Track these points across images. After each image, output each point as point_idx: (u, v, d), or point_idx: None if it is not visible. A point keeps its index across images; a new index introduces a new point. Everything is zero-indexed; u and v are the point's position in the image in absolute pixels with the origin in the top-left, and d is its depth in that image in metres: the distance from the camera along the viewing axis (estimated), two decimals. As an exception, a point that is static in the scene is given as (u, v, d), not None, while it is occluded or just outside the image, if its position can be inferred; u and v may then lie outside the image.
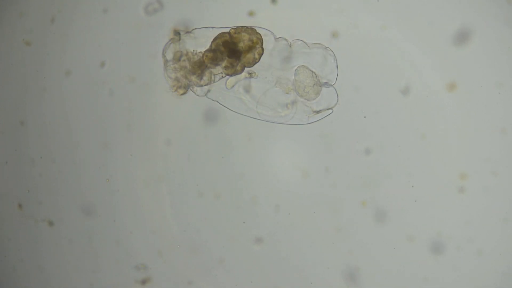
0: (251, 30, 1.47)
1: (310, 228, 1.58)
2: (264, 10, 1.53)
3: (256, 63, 1.47)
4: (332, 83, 1.49)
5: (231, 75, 1.47)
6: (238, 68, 1.45)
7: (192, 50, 1.47)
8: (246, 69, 1.48)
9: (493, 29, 1.50)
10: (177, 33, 1.48)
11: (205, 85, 1.49)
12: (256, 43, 1.46)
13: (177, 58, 1.47)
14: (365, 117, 1.53)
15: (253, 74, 1.48)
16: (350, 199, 1.55)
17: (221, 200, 1.59)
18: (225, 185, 1.58)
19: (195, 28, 1.50)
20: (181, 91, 1.49)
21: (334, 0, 1.52)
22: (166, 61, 1.48)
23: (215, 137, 1.57)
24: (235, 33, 1.45)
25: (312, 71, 1.48)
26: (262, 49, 1.46)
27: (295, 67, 1.49)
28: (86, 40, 1.58)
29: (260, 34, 1.47)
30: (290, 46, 1.49)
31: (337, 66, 1.49)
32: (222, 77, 1.48)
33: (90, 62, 1.58)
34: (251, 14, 1.53)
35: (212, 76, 1.46)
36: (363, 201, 1.54)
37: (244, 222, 1.57)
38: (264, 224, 1.58)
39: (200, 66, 1.45)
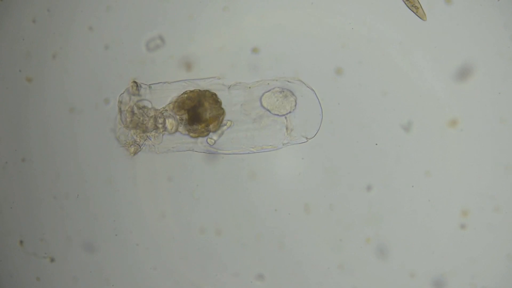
0: (211, 100, 1.48)
1: (313, 263, 1.57)
2: (268, 47, 1.53)
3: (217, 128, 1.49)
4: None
5: (195, 138, 1.49)
6: (204, 132, 1.47)
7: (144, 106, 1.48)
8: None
9: (496, 65, 1.50)
10: (133, 85, 1.48)
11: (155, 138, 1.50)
12: (216, 116, 1.47)
13: (129, 112, 1.47)
14: (376, 144, 1.52)
15: (228, 123, 1.49)
16: (353, 236, 1.55)
17: (224, 236, 1.59)
18: (228, 222, 1.58)
19: (152, 84, 1.51)
20: (132, 149, 1.50)
21: (338, 38, 1.52)
22: (120, 118, 1.49)
23: (218, 174, 1.56)
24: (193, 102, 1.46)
25: (272, 91, 1.49)
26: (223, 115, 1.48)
27: (259, 98, 1.51)
28: (87, 77, 1.58)
29: (219, 103, 1.49)
30: (249, 88, 1.50)
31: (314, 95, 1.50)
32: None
33: (94, 99, 1.58)
34: (255, 51, 1.53)
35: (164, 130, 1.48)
36: (368, 238, 1.54)
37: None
38: (266, 261, 1.58)
39: (155, 121, 1.46)
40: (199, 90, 1.47)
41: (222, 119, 1.48)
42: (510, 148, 1.50)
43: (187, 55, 1.54)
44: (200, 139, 1.51)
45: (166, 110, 1.45)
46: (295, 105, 1.50)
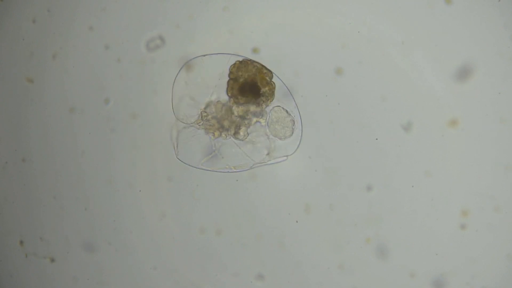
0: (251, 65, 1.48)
1: (313, 263, 1.58)
2: (268, 47, 1.53)
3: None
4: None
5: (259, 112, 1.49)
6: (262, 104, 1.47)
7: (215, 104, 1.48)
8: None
9: (496, 65, 1.50)
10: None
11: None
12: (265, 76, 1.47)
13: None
14: (376, 139, 1.52)
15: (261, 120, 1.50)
16: (353, 236, 1.55)
17: (224, 236, 1.59)
18: (228, 222, 1.58)
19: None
20: (217, 134, 1.50)
21: (339, 36, 1.52)
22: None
23: (218, 174, 1.56)
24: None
25: (286, 110, 1.50)
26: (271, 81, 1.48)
27: (269, 110, 1.51)
28: (87, 77, 1.58)
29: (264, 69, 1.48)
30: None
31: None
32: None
33: (94, 99, 1.58)
34: (255, 51, 1.53)
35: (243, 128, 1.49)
36: (367, 238, 1.54)
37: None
38: (266, 261, 1.58)
39: (226, 117, 1.46)
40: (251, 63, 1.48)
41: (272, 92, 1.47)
42: (510, 148, 1.50)
43: (187, 55, 1.54)
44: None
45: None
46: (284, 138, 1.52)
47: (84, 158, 1.60)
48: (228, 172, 1.53)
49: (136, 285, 1.62)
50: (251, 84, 1.48)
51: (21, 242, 1.63)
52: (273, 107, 1.51)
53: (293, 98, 1.53)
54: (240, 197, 1.57)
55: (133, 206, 1.60)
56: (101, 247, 1.61)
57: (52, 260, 1.63)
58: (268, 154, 1.52)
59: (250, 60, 1.50)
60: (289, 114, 1.51)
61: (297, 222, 1.56)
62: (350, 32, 1.52)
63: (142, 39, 1.55)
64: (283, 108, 1.51)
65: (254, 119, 1.50)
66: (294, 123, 1.51)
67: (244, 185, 1.56)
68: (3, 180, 1.63)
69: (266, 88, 1.48)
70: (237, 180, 1.56)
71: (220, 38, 1.54)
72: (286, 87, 1.52)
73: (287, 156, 1.52)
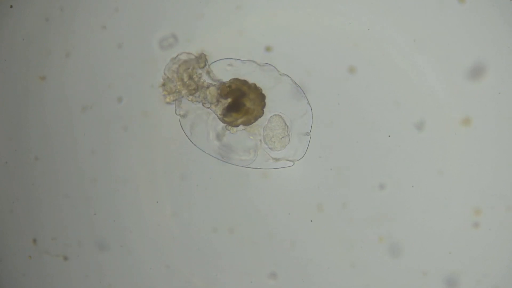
0: (262, 95, 1.48)
1: (325, 261, 1.58)
2: (280, 45, 1.53)
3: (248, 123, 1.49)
4: (309, 134, 1.51)
5: (225, 123, 1.48)
6: (238, 122, 1.46)
7: (199, 74, 1.47)
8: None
9: (509, 64, 1.50)
10: (202, 57, 1.48)
11: (191, 101, 1.49)
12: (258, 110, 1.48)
13: (184, 70, 1.47)
14: (389, 136, 1.52)
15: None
16: (365, 235, 1.55)
17: (236, 235, 1.59)
18: (241, 221, 1.58)
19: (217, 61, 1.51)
20: (168, 98, 1.49)
21: (350, 35, 1.52)
22: (173, 62, 1.48)
23: (231, 173, 1.57)
24: (250, 88, 1.46)
25: (285, 123, 1.50)
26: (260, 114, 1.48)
27: (270, 115, 1.51)
28: (100, 75, 1.58)
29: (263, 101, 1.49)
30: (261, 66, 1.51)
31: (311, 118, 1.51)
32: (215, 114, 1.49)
33: (106, 97, 1.58)
34: (268, 49, 1.53)
35: (203, 100, 1.47)
36: (380, 237, 1.55)
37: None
38: (279, 260, 1.58)
39: (196, 88, 1.45)
40: (248, 82, 1.47)
41: (257, 117, 1.48)
42: (522, 147, 1.51)
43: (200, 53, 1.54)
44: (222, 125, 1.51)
45: (213, 85, 1.45)
46: (278, 149, 1.52)
47: (97, 156, 1.60)
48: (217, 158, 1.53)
49: (148, 284, 1.62)
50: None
51: (34, 241, 1.63)
52: (274, 114, 1.51)
53: (305, 97, 1.53)
54: (252, 196, 1.58)
55: (145, 205, 1.60)
56: (113, 246, 1.61)
57: (65, 259, 1.63)
58: (274, 158, 1.52)
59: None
60: (286, 128, 1.51)
61: (311, 221, 1.56)
62: (362, 31, 1.52)
63: (155, 38, 1.55)
64: (283, 119, 1.51)
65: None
66: (288, 138, 1.51)
67: (256, 184, 1.56)
68: (16, 178, 1.63)
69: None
70: (260, 175, 1.56)
71: (233, 36, 1.54)
72: (299, 88, 1.52)
73: (293, 161, 1.53)
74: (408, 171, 1.53)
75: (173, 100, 1.50)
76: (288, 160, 1.52)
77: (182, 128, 1.52)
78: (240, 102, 1.46)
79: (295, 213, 1.57)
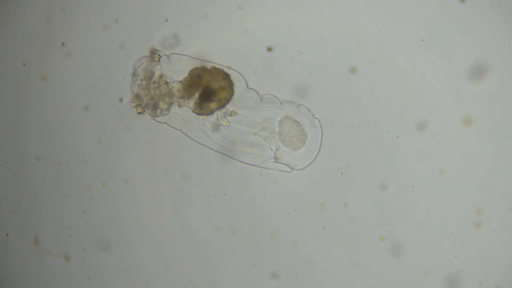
0: (225, 74, 1.47)
1: (327, 261, 1.58)
2: (282, 45, 1.53)
3: (221, 106, 1.48)
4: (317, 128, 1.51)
5: (199, 115, 1.48)
6: (206, 111, 1.46)
7: (162, 76, 1.47)
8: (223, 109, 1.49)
9: (511, 64, 1.50)
10: (155, 52, 1.48)
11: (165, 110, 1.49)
12: (224, 89, 1.47)
13: (147, 78, 1.47)
14: (398, 137, 1.52)
15: (232, 113, 1.48)
16: (367, 235, 1.55)
17: (238, 235, 1.59)
18: (243, 221, 1.58)
19: (173, 53, 1.50)
20: (138, 110, 1.49)
21: (352, 35, 1.52)
22: (135, 76, 1.48)
23: (232, 172, 1.57)
24: (210, 73, 1.45)
25: (296, 121, 1.50)
26: (230, 93, 1.47)
27: (279, 118, 1.51)
28: (102, 75, 1.58)
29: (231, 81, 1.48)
30: (260, 99, 1.50)
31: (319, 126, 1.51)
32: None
33: (108, 97, 1.58)
34: (269, 49, 1.53)
35: (177, 101, 1.47)
36: (382, 237, 1.55)
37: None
38: (281, 260, 1.58)
39: (167, 95, 1.45)
40: (205, 66, 1.47)
41: (229, 97, 1.46)
42: (524, 147, 1.51)
43: (202, 54, 1.54)
44: (202, 117, 1.50)
45: (175, 87, 1.44)
46: (300, 147, 1.52)
47: (97, 156, 1.60)
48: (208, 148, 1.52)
49: (149, 284, 1.62)
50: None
51: (36, 241, 1.63)
52: (283, 117, 1.51)
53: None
54: (254, 196, 1.58)
55: (147, 204, 1.60)
56: (116, 246, 1.61)
57: (67, 259, 1.63)
58: (275, 158, 1.52)
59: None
60: (299, 125, 1.51)
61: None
62: (364, 31, 1.52)
63: (156, 38, 1.55)
64: (292, 119, 1.51)
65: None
66: (305, 134, 1.51)
67: (258, 184, 1.56)
68: (18, 178, 1.63)
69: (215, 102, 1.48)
70: (260, 174, 1.56)
71: (235, 36, 1.54)
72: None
73: (292, 169, 1.53)
74: (409, 171, 1.53)
75: (142, 111, 1.50)
76: (288, 166, 1.52)
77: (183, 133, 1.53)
78: (207, 89, 1.46)
79: (297, 213, 1.57)
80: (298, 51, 1.50)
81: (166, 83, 1.45)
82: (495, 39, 1.49)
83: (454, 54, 1.50)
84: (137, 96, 1.46)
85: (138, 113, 1.48)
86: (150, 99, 1.46)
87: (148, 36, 1.56)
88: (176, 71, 1.51)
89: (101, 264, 1.62)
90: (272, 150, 1.51)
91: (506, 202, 1.51)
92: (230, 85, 1.48)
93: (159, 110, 1.46)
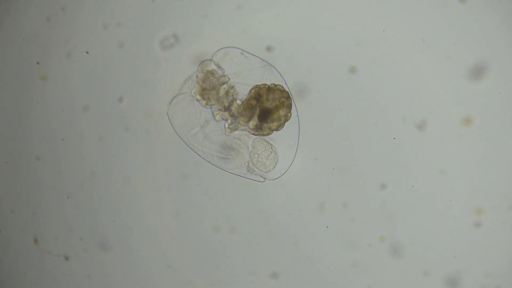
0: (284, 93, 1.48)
1: (327, 261, 1.58)
2: (281, 45, 1.53)
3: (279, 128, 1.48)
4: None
5: (256, 134, 1.48)
6: (265, 131, 1.46)
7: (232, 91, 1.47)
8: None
9: (510, 63, 1.50)
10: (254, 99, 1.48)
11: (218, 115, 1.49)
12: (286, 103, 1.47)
13: (220, 83, 1.47)
14: (394, 138, 1.52)
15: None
16: (367, 235, 1.55)
17: (238, 235, 1.59)
18: (242, 221, 1.58)
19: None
20: (198, 96, 1.48)
21: (353, 36, 1.52)
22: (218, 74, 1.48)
23: (231, 174, 1.57)
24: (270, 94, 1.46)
25: (268, 143, 1.50)
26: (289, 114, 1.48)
27: (251, 140, 1.51)
28: (101, 75, 1.58)
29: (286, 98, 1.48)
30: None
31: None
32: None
33: (107, 97, 1.58)
34: (269, 49, 1.53)
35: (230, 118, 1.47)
36: (381, 237, 1.54)
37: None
38: (280, 260, 1.58)
39: (226, 107, 1.46)
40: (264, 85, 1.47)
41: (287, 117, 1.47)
42: (524, 147, 1.51)
43: (201, 54, 1.54)
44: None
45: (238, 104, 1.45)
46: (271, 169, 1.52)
47: (98, 156, 1.60)
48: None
49: (149, 283, 1.62)
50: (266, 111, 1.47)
51: (35, 241, 1.63)
52: (254, 139, 1.51)
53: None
54: (254, 196, 1.58)
55: (147, 204, 1.60)
56: (115, 246, 1.62)
57: (67, 258, 1.63)
58: (248, 167, 1.52)
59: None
60: (271, 147, 1.51)
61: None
62: (364, 31, 1.52)
63: (156, 38, 1.55)
64: (265, 141, 1.51)
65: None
66: (276, 156, 1.51)
67: (258, 184, 1.56)
68: (17, 178, 1.63)
69: (275, 123, 1.48)
70: (264, 181, 1.56)
71: (234, 36, 1.54)
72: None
73: (265, 178, 1.53)
74: (409, 170, 1.53)
75: (199, 100, 1.49)
76: (261, 176, 1.53)
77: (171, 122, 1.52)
78: (265, 108, 1.46)
79: (297, 213, 1.57)
80: (313, 48, 1.50)
81: (231, 96, 1.46)
82: (495, 39, 1.49)
83: (454, 54, 1.50)
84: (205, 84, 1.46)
85: (197, 96, 1.47)
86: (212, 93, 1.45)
87: (148, 36, 1.56)
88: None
89: (101, 264, 1.62)
90: (245, 162, 1.52)
91: (506, 202, 1.51)
92: (289, 106, 1.48)
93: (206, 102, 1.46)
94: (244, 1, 1.53)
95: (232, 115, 1.46)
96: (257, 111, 1.43)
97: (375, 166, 1.54)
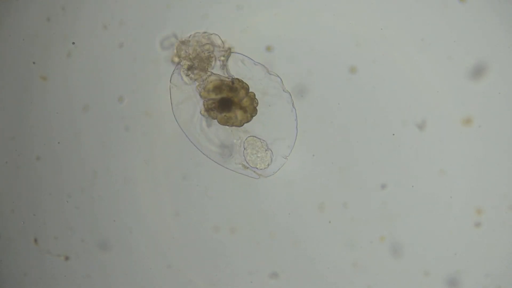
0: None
1: (327, 261, 1.58)
2: (281, 45, 1.53)
3: (231, 124, 1.48)
4: (286, 157, 1.51)
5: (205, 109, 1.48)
6: (212, 114, 1.46)
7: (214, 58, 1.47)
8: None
9: (510, 63, 1.50)
10: (228, 52, 1.47)
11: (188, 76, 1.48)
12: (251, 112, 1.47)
13: (206, 49, 1.46)
14: (393, 134, 1.52)
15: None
16: (367, 234, 1.55)
17: (238, 235, 1.59)
18: (242, 220, 1.58)
19: (243, 56, 1.50)
20: (176, 58, 1.48)
21: (353, 36, 1.52)
22: (198, 41, 1.47)
23: (231, 173, 1.57)
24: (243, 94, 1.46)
25: (261, 142, 1.50)
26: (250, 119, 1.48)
27: (244, 138, 1.51)
28: (101, 75, 1.58)
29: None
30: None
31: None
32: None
33: (107, 97, 1.58)
34: (268, 49, 1.53)
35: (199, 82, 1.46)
36: (382, 237, 1.54)
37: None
38: (280, 259, 1.58)
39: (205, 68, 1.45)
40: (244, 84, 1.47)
41: (247, 121, 1.48)
42: (524, 147, 1.51)
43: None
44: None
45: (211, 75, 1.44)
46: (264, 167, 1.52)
47: (98, 156, 1.60)
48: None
49: (149, 283, 1.62)
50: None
51: (35, 241, 1.63)
52: (247, 138, 1.51)
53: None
54: (254, 195, 1.58)
55: (147, 204, 1.60)
56: (115, 246, 1.62)
57: (66, 258, 1.63)
58: (242, 165, 1.52)
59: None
60: (263, 145, 1.51)
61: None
62: (364, 31, 1.52)
63: (156, 38, 1.55)
64: (256, 139, 1.51)
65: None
66: (269, 155, 1.51)
67: (258, 183, 1.56)
68: (18, 178, 1.63)
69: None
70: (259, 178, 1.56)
71: (234, 36, 1.54)
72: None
73: (258, 175, 1.53)
74: (409, 170, 1.53)
75: (178, 62, 1.49)
76: (256, 173, 1.53)
77: (170, 97, 1.51)
78: (230, 101, 1.46)
79: (297, 212, 1.57)
80: (312, 48, 1.50)
81: (210, 60, 1.44)
82: (495, 39, 1.49)
83: (454, 54, 1.50)
84: (186, 53, 1.45)
85: (177, 61, 1.46)
86: (193, 59, 1.44)
87: (148, 36, 1.56)
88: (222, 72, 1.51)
89: (101, 264, 1.62)
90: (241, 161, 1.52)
91: (506, 202, 1.51)
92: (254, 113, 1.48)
93: (191, 72, 1.45)
94: (244, 1, 1.53)
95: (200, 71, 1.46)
96: (224, 94, 1.44)
97: (375, 166, 1.54)
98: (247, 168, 1.52)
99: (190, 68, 1.46)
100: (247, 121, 1.49)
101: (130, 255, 1.62)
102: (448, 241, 1.53)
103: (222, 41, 1.50)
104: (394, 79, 1.52)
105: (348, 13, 1.52)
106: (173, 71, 1.50)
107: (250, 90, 1.49)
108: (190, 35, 1.49)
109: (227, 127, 1.50)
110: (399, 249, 1.54)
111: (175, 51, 1.50)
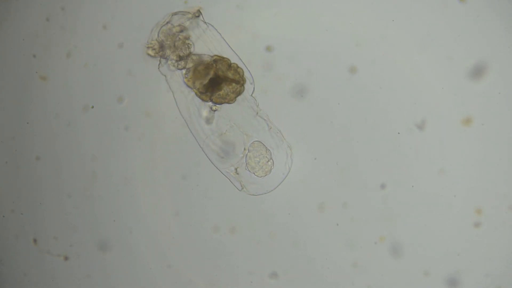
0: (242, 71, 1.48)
1: (327, 261, 1.58)
2: (281, 45, 1.53)
3: (227, 101, 1.47)
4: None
5: (198, 95, 1.47)
6: (205, 97, 1.45)
7: (188, 37, 1.46)
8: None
9: (510, 63, 1.50)
10: (199, 12, 1.47)
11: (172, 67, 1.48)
12: (239, 82, 1.46)
13: (176, 30, 1.46)
14: (399, 133, 1.52)
15: (214, 107, 1.48)
16: (367, 234, 1.55)
17: (238, 235, 1.59)
18: (242, 220, 1.58)
19: (213, 28, 1.50)
20: (151, 52, 1.48)
21: (353, 36, 1.52)
22: (167, 23, 1.47)
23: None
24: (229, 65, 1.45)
25: (266, 149, 1.50)
26: (241, 89, 1.47)
27: (251, 141, 1.51)
28: (101, 75, 1.58)
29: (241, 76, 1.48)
30: (256, 113, 1.50)
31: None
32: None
33: (107, 97, 1.58)
34: (268, 49, 1.53)
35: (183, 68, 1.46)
36: (381, 237, 1.54)
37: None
38: (280, 259, 1.58)
39: (182, 57, 1.44)
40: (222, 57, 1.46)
41: (238, 91, 1.46)
42: (524, 147, 1.51)
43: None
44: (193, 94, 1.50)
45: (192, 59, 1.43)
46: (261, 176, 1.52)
47: (98, 156, 1.60)
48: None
49: (149, 283, 1.62)
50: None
51: (35, 241, 1.63)
52: (253, 142, 1.51)
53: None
54: (254, 195, 1.57)
55: (147, 204, 1.60)
56: (115, 246, 1.62)
57: (66, 258, 1.63)
58: (236, 171, 1.52)
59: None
60: (268, 154, 1.51)
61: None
62: (364, 31, 1.52)
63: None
64: (262, 145, 1.51)
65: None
66: (272, 163, 1.51)
67: (258, 183, 1.57)
68: (17, 178, 1.63)
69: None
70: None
71: (234, 36, 1.54)
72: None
73: (243, 187, 1.53)
74: (409, 170, 1.53)
75: (154, 55, 1.49)
76: (241, 184, 1.53)
77: (168, 85, 1.51)
78: (217, 79, 1.45)
79: (297, 212, 1.57)
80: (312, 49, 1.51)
81: (187, 46, 1.44)
82: (495, 39, 1.49)
83: (454, 54, 1.50)
84: (158, 40, 1.45)
85: (148, 54, 1.46)
86: (168, 47, 1.44)
87: (147, 36, 1.56)
88: (204, 43, 1.50)
89: (101, 264, 1.62)
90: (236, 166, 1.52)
91: (506, 202, 1.51)
92: (242, 81, 1.47)
93: (166, 61, 1.45)
94: (244, 1, 1.53)
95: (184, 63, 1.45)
96: (210, 75, 1.43)
97: (375, 166, 1.54)
98: (238, 174, 1.51)
99: (180, 58, 1.46)
100: (240, 92, 1.48)
101: (130, 255, 1.62)
102: (448, 241, 1.53)
103: (184, 12, 1.48)
104: (394, 79, 1.52)
105: (348, 13, 1.53)
106: (159, 64, 1.49)
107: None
108: (157, 31, 1.49)
109: (228, 123, 1.50)
110: (399, 249, 1.54)
111: (149, 45, 1.49)
